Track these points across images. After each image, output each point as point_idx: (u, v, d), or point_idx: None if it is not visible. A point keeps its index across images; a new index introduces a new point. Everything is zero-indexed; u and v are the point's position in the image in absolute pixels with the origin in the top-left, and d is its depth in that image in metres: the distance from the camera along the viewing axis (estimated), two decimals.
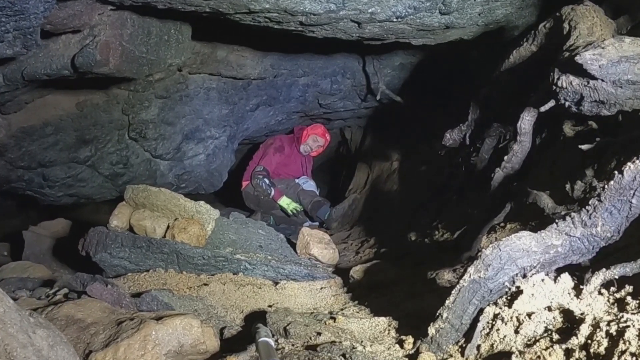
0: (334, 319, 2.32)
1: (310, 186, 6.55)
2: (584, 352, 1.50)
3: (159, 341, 1.72)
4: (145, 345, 1.69)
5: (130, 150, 4.85)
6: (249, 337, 2.08)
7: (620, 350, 1.41)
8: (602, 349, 1.46)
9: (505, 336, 1.72)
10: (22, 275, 3.35)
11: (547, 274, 1.88)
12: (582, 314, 1.68)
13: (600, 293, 1.76)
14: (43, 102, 4.34)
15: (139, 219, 3.38)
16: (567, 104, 2.27)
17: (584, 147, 2.41)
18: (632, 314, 1.57)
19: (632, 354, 1.38)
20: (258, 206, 6.34)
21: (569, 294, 1.81)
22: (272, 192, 6.16)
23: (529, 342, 1.66)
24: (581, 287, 1.80)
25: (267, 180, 6.18)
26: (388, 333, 2.16)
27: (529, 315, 1.74)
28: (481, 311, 1.82)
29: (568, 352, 1.53)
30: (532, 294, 1.81)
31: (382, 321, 2.27)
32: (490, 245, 1.85)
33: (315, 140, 6.61)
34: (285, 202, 6.19)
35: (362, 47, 4.33)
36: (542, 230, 1.87)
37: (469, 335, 1.79)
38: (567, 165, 2.73)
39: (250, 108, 5.55)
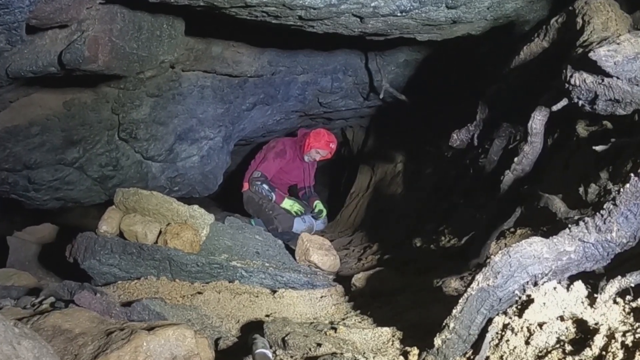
0: (334, 329, 2.32)
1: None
2: None
3: (151, 352, 1.72)
4: (136, 357, 1.69)
5: (120, 151, 4.85)
6: (246, 348, 2.08)
7: None
8: None
9: (515, 347, 1.72)
10: (6, 283, 3.35)
11: (559, 282, 1.88)
12: (596, 324, 1.68)
13: (615, 302, 1.75)
14: (29, 101, 4.35)
15: (129, 224, 3.38)
16: (580, 102, 2.28)
17: (598, 148, 2.41)
18: None
19: None
20: (258, 214, 6.29)
21: (582, 303, 1.81)
22: (274, 197, 6.16)
23: (540, 354, 1.66)
24: (595, 295, 1.80)
25: (266, 186, 6.17)
26: (392, 344, 2.16)
27: (541, 325, 1.74)
28: (490, 321, 1.82)
29: None
30: (544, 303, 1.81)
31: (386, 332, 2.27)
32: (500, 252, 1.85)
33: (317, 152, 6.52)
34: (288, 204, 6.22)
35: (365, 43, 4.34)
36: (554, 236, 1.87)
37: (477, 346, 1.79)
38: (581, 168, 2.73)
39: (247, 107, 5.56)
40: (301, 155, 6.52)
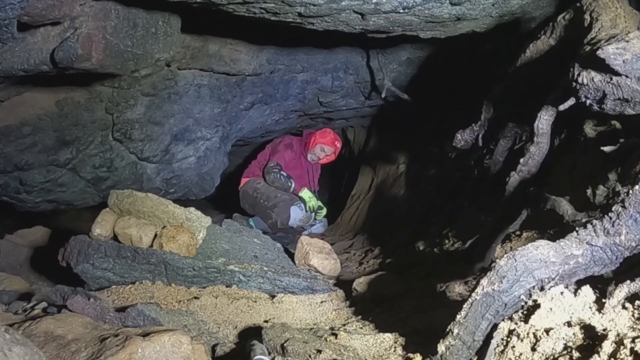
0: (335, 335, 2.32)
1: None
2: None
3: (146, 359, 1.72)
4: None
5: (115, 152, 4.85)
6: (244, 354, 2.09)
7: None
8: None
9: (521, 354, 1.72)
10: None
11: (566, 287, 1.88)
12: (604, 329, 1.68)
13: (624, 307, 1.75)
14: (20, 100, 4.34)
15: (124, 227, 3.38)
16: (588, 102, 2.28)
17: (607, 148, 2.42)
18: None
19: None
20: (253, 210, 6.33)
21: (590, 308, 1.81)
22: (293, 184, 6.20)
23: None
24: (603, 300, 1.80)
25: (284, 173, 6.21)
26: (394, 350, 2.17)
27: (547, 331, 1.74)
28: (495, 327, 1.82)
29: None
30: (551, 308, 1.81)
31: (388, 338, 2.27)
32: (505, 256, 1.85)
33: (322, 150, 6.58)
34: (307, 195, 6.25)
35: (366, 40, 4.34)
36: (561, 239, 1.87)
37: (481, 352, 1.79)
38: (588, 169, 2.73)
39: (245, 106, 5.56)
40: (305, 153, 6.57)
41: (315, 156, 6.63)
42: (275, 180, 6.22)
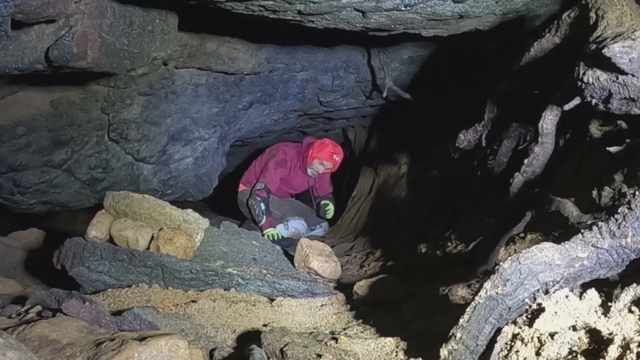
0: (335, 339, 2.32)
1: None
2: None
3: None
4: None
5: (111, 152, 4.85)
6: (242, 359, 2.08)
7: None
8: None
9: (525, 358, 1.72)
10: None
11: (571, 290, 1.88)
12: (610, 333, 1.68)
13: (630, 311, 1.75)
14: (14, 100, 4.35)
15: (120, 229, 3.38)
16: (593, 101, 2.28)
17: (613, 149, 2.41)
18: None
19: None
20: (250, 216, 6.34)
21: (595, 312, 1.81)
22: (263, 221, 6.01)
23: None
24: (609, 304, 1.80)
25: (262, 206, 6.01)
26: (396, 355, 2.17)
27: (552, 335, 1.74)
28: (499, 331, 1.82)
29: None
30: (555, 312, 1.81)
31: (389, 342, 2.27)
32: (509, 258, 1.85)
33: (321, 164, 6.37)
34: (269, 232, 5.99)
35: (367, 38, 4.34)
36: (566, 242, 1.87)
37: (485, 357, 1.79)
38: (594, 170, 2.73)
39: (243, 106, 5.56)
40: (304, 167, 6.43)
41: (314, 171, 6.39)
42: (252, 208, 6.10)
